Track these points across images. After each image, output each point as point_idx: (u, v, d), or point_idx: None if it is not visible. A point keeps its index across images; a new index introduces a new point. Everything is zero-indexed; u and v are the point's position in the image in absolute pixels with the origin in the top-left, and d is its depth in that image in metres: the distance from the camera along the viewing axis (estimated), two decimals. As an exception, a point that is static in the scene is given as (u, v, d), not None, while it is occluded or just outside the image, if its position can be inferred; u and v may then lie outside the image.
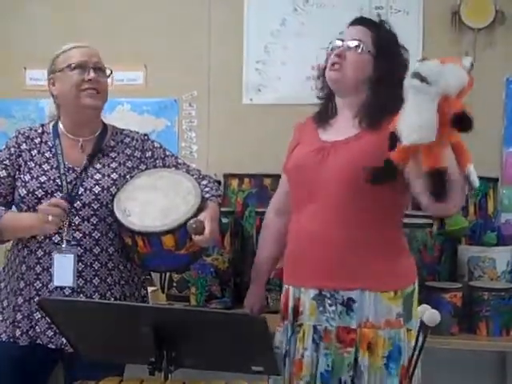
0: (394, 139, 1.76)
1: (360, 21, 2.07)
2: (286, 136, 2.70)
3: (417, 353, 1.73)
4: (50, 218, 1.94)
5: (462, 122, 1.67)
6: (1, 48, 3.18)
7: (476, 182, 1.80)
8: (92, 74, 2.07)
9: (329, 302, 1.97)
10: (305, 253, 2.00)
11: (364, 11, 2.90)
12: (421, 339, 1.69)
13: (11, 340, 2.05)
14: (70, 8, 3.14)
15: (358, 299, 1.94)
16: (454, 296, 2.43)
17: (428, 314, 1.63)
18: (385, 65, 1.99)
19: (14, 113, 3.17)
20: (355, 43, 2.01)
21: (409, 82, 1.73)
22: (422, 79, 1.69)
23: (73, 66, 2.07)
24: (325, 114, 2.11)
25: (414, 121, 1.72)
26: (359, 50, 2.01)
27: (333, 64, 2.03)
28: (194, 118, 3.09)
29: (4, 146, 2.15)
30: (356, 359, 1.94)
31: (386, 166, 1.77)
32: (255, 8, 3.00)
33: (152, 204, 2.04)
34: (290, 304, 2.04)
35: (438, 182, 1.74)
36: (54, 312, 1.73)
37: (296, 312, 2.03)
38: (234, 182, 2.96)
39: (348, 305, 1.95)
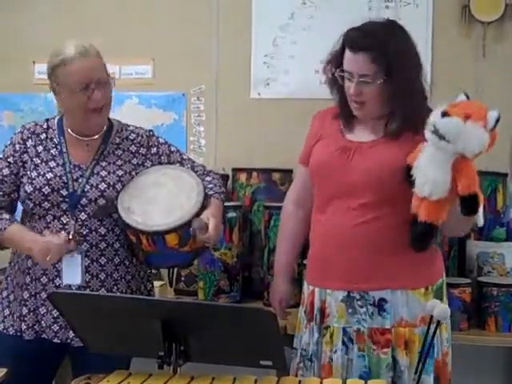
0: (407, 173, 1.81)
1: (360, 47, 1.92)
2: (294, 130, 2.70)
3: (427, 346, 1.73)
4: (49, 257, 1.93)
5: (469, 204, 1.72)
6: (10, 42, 3.18)
7: (480, 223, 1.83)
8: (96, 96, 2.01)
9: (359, 303, 1.95)
10: (332, 255, 1.98)
11: (373, 5, 2.89)
12: (431, 333, 1.69)
13: (18, 334, 2.06)
14: (79, 1, 3.14)
15: (389, 299, 1.94)
16: (463, 292, 2.43)
17: (438, 309, 1.64)
18: (398, 79, 1.92)
19: (23, 106, 3.17)
20: (368, 80, 1.92)
21: (427, 135, 1.72)
22: (441, 136, 1.68)
23: (76, 89, 1.99)
24: (348, 114, 2.05)
25: (429, 173, 1.73)
26: (372, 85, 1.93)
27: (354, 101, 1.98)
28: (202, 112, 3.08)
29: (9, 142, 2.14)
30: (394, 359, 1.93)
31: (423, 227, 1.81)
32: (264, 1, 2.98)
33: (155, 202, 2.05)
34: (316, 305, 2.03)
35: (426, 234, 1.81)
36: (63, 305, 1.73)
37: (322, 314, 2.01)
38: (243, 177, 2.95)
39: (380, 305, 1.94)
